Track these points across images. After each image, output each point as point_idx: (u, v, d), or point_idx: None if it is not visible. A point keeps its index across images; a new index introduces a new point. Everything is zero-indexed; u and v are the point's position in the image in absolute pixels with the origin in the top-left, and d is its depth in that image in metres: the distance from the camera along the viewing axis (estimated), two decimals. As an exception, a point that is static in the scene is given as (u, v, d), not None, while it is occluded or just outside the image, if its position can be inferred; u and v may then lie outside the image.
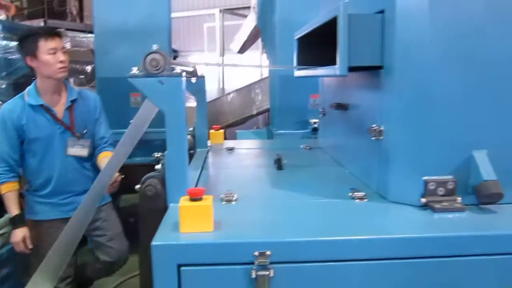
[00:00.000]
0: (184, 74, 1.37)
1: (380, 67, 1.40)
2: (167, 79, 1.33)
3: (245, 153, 2.38)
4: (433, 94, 1.29)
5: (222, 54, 8.60)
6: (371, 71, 1.48)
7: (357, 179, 1.67)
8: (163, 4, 3.68)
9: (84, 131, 2.51)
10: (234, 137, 4.50)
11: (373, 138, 1.43)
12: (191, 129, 2.44)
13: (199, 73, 2.28)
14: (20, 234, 2.38)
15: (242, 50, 6.52)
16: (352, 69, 1.39)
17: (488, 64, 1.30)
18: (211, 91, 9.25)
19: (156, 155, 2.14)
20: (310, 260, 1.10)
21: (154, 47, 1.34)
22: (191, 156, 2.21)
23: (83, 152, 2.49)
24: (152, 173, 1.44)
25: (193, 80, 2.22)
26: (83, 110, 2.56)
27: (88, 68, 5.80)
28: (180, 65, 1.52)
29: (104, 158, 2.48)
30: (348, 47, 1.35)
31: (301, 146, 2.43)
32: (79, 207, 1.67)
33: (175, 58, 9.14)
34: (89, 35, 5.58)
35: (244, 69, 8.90)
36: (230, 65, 9.11)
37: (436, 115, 1.30)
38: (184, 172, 1.39)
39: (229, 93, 6.08)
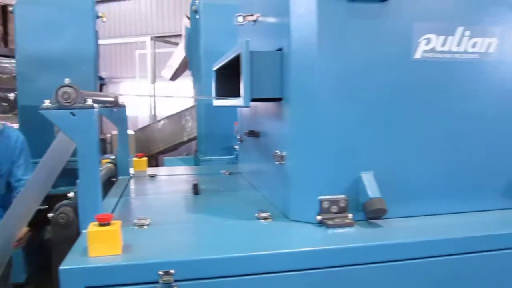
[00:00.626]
0: (96, 106, 1.44)
1: (280, 99, 1.56)
2: (79, 111, 1.40)
3: (167, 179, 2.45)
4: (324, 122, 1.45)
5: (154, 81, 8.62)
6: (274, 102, 1.63)
7: (267, 201, 1.80)
8: (88, 32, 3.65)
9: None
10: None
11: (277, 162, 1.57)
12: (113, 157, 2.47)
13: (121, 102, 2.34)
14: None
15: (174, 77, 6.58)
16: (256, 100, 1.54)
17: (372, 95, 1.49)
18: (143, 118, 9.20)
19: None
20: (213, 276, 1.19)
21: (66, 80, 1.40)
22: (112, 184, 2.24)
23: None
24: (65, 201, 1.48)
25: (114, 109, 2.29)
26: (0, 147, 2.50)
27: (12, 95, 5.61)
28: (95, 96, 1.58)
29: None
30: (250, 81, 1.50)
31: (222, 171, 2.54)
32: None
33: (102, 86, 9.00)
34: (14, 60, 5.41)
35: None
36: (144, 95, 9.09)
37: (328, 141, 1.46)
38: (97, 200, 1.44)
39: (159, 120, 6.09)
